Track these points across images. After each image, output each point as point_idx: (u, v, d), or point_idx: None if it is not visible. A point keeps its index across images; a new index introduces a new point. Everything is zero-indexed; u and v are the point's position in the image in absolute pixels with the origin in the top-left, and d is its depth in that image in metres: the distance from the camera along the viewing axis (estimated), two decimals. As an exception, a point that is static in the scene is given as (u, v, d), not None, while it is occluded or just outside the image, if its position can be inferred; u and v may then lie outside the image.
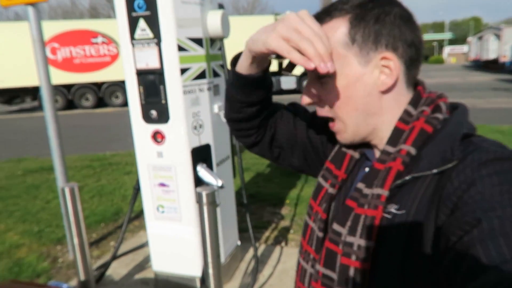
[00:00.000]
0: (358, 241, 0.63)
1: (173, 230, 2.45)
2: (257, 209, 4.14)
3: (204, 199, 2.10)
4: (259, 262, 2.96)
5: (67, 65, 14.22)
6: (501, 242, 0.44)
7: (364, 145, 0.75)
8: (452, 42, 62.38)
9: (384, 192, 0.62)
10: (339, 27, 0.65)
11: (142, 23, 2.06)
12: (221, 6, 2.45)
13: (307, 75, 0.72)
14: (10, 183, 5.26)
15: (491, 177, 0.52)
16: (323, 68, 0.57)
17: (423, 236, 0.58)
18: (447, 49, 55.69)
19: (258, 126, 0.88)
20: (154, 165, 2.35)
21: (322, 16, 0.67)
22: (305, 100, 0.72)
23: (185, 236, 2.43)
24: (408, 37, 0.65)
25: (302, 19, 0.59)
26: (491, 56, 27.39)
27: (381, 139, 0.71)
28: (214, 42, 2.40)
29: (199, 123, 2.32)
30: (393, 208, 0.62)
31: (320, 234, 0.75)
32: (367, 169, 0.73)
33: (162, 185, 2.39)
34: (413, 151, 0.63)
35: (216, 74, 2.44)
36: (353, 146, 0.76)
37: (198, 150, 2.33)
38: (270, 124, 0.90)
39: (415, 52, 0.66)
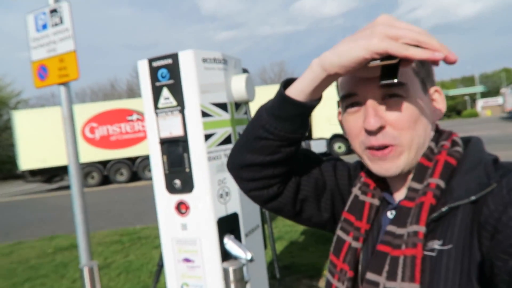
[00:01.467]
0: (401, 285, 0.59)
1: (200, 312, 2.19)
2: (292, 282, 3.80)
3: (231, 276, 1.88)
4: None
5: (104, 142, 14.94)
6: None
7: (381, 188, 0.75)
8: (484, 95, 61.82)
9: (421, 228, 0.60)
10: None
11: (165, 92, 2.05)
12: (245, 71, 2.45)
13: (366, 99, 0.65)
14: (40, 262, 5.19)
15: None
16: (452, 56, 0.53)
17: (474, 268, 0.56)
18: (480, 102, 55.21)
19: (287, 172, 0.76)
20: (178, 238, 2.19)
21: None
22: (374, 123, 0.63)
23: (214, 319, 2.17)
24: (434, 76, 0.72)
25: (395, 19, 0.56)
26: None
27: (402, 176, 0.69)
28: (240, 107, 2.35)
29: (225, 191, 2.18)
30: (436, 245, 0.60)
31: None
32: (389, 214, 0.70)
33: (187, 260, 2.20)
34: (442, 184, 0.63)
35: (241, 139, 2.35)
36: (372, 191, 0.74)
37: (224, 220, 2.17)
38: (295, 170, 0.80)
39: None
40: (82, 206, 2.87)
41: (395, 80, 0.56)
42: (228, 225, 2.19)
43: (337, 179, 0.82)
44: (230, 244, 2.15)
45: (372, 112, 0.64)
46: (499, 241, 0.51)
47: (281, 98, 0.68)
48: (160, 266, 2.39)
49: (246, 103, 2.37)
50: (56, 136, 13.76)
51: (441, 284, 0.57)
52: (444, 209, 0.60)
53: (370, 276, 0.64)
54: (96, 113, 14.99)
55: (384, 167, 0.66)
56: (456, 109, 65.02)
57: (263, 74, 51.43)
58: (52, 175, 15.62)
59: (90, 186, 14.74)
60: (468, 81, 71.88)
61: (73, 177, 2.87)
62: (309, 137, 16.49)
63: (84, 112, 14.73)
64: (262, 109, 0.72)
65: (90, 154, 14.47)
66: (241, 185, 0.81)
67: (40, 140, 14.23)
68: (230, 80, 2.25)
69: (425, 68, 0.68)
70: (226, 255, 2.14)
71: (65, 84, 2.85)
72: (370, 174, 0.76)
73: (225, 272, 1.84)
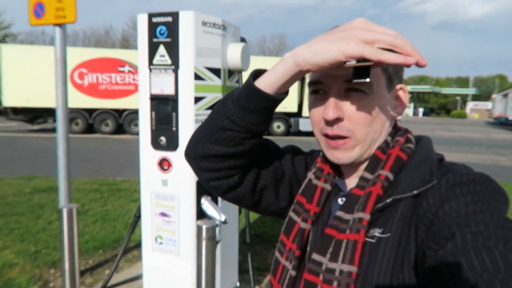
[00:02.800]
0: (340, 266, 0.63)
1: (170, 263, 2.31)
2: (261, 250, 3.96)
3: (204, 233, 1.98)
4: (258, 308, 2.76)
5: (92, 90, 14.67)
6: (471, 255, 0.46)
7: (335, 174, 0.78)
8: (475, 98, 62.49)
9: (366, 216, 0.64)
10: None
11: (161, 49, 2.06)
12: (243, 40, 2.46)
13: (331, 90, 0.68)
14: (17, 200, 5.24)
15: (465, 196, 0.56)
16: (423, 61, 0.56)
17: (408, 257, 0.60)
18: (470, 104, 55.82)
19: (248, 163, 0.76)
20: (157, 193, 2.27)
21: None
22: (331, 115, 0.66)
23: (182, 272, 2.29)
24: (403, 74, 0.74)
25: (371, 23, 0.58)
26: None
27: (356, 165, 0.73)
28: (232, 74, 2.38)
29: (208, 154, 2.25)
30: (377, 232, 0.64)
31: (293, 273, 0.73)
32: (340, 201, 0.74)
33: (163, 214, 2.29)
34: (391, 176, 0.67)
35: (230, 106, 2.40)
36: (325, 176, 0.78)
37: (204, 181, 2.25)
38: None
39: None
40: (66, 151, 2.90)
41: (368, 80, 0.59)
42: (206, 187, 2.27)
43: (294, 167, 0.84)
44: (206, 204, 2.24)
45: (333, 103, 0.66)
46: (433, 233, 0.54)
47: (250, 90, 0.66)
48: (137, 217, 2.47)
49: (239, 72, 2.40)
50: (44, 77, 13.45)
51: (376, 269, 0.61)
52: (388, 200, 0.63)
53: (315, 256, 0.67)
54: (88, 59, 14.60)
55: (336, 156, 0.69)
56: (446, 107, 65.71)
57: (262, 44, 50.58)
58: (35, 116, 15.36)
59: (74, 133, 14.58)
60: (462, 82, 72.38)
61: (60, 122, 2.89)
62: (299, 115, 16.54)
63: (75, 56, 14.30)
64: (228, 99, 0.69)
65: (77, 100, 14.20)
66: (199, 175, 0.79)
67: (26, 78, 13.85)
68: (226, 47, 2.27)
69: (393, 66, 0.69)
70: (201, 215, 2.23)
71: (61, 25, 2.81)
72: (326, 160, 0.78)
73: (199, 229, 1.93)
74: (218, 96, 2.24)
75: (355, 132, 0.67)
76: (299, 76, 0.64)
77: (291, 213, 0.77)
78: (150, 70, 2.11)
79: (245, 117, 0.67)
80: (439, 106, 67.35)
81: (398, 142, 0.71)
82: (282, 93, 0.67)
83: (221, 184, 0.77)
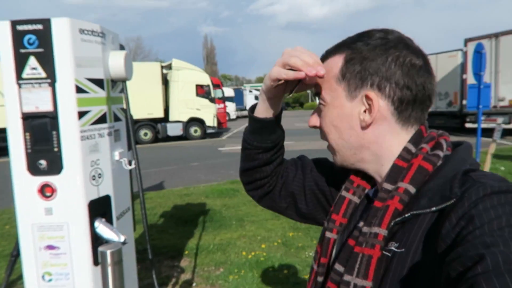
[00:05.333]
0: (355, 280, 0.63)
1: (64, 301, 2.05)
2: (154, 263, 3.81)
3: (109, 259, 1.83)
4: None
5: None
6: (507, 279, 0.43)
7: (371, 181, 0.79)
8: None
9: (381, 231, 0.63)
10: (336, 63, 0.72)
11: (32, 61, 1.80)
12: (122, 47, 2.33)
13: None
14: None
15: (488, 212, 0.52)
16: (310, 71, 0.68)
17: (421, 274, 0.58)
18: (318, 97, 63.30)
19: (271, 174, 0.94)
20: (41, 224, 1.98)
21: (326, 55, 0.76)
22: (309, 122, 0.81)
23: (80, 307, 2.05)
24: (400, 80, 0.67)
25: (294, 48, 0.73)
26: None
27: (379, 175, 0.73)
28: (116, 84, 2.23)
29: (98, 172, 2.07)
30: (393, 246, 0.62)
31: (320, 279, 0.77)
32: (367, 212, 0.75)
33: (51, 247, 2.01)
34: (411, 189, 0.64)
35: (117, 118, 2.25)
36: (354, 188, 0.79)
37: (96, 202, 2.06)
38: (281, 172, 0.97)
39: (411, 95, 0.67)
40: None
41: (291, 95, 0.80)
42: (99, 208, 2.08)
43: (314, 178, 0.94)
44: (101, 227, 2.06)
45: (312, 114, 0.81)
46: (458, 253, 0.50)
47: (249, 118, 0.89)
48: (15, 256, 2.11)
49: (123, 81, 2.27)
50: None
51: (387, 284, 0.61)
52: (407, 215, 0.62)
53: (337, 266, 0.70)
54: None
55: (333, 159, 0.82)
56: (299, 101, 73.13)
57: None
58: None
59: None
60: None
61: None
62: (166, 120, 16.21)
63: None
64: (246, 128, 0.92)
65: None
66: (244, 187, 1.01)
67: None
68: (107, 55, 2.12)
69: (354, 74, 0.69)
70: (96, 239, 2.04)
71: None
72: (356, 171, 0.79)
73: (103, 255, 1.77)
74: (104, 109, 2.08)
75: (327, 139, 0.78)
76: (272, 101, 0.83)
77: (325, 223, 0.82)
78: (19, 85, 1.82)
79: (251, 137, 0.90)
80: (293, 100, 74.51)
81: (422, 150, 0.67)
82: (275, 113, 0.85)
83: (256, 194, 0.99)
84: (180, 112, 16.32)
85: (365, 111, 0.69)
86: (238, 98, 36.50)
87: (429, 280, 0.56)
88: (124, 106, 2.36)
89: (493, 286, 0.43)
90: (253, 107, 0.88)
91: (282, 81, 0.75)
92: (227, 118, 22.99)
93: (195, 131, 17.01)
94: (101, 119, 2.07)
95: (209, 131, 17.65)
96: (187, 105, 16.30)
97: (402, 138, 0.70)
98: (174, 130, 16.37)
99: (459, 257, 0.49)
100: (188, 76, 16.18)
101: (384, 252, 0.62)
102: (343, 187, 0.82)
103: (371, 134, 0.70)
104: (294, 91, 0.79)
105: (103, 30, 2.06)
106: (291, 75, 0.71)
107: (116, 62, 2.12)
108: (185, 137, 16.66)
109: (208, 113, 16.92)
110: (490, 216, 0.52)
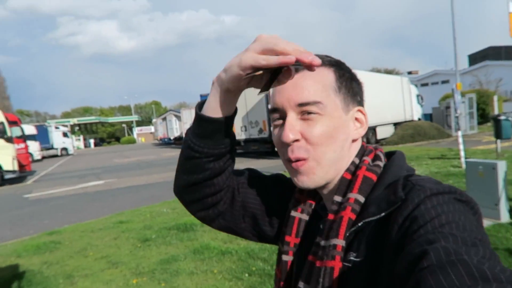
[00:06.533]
0: None
1: None
2: None
3: None
4: None
5: None
6: (448, 270, 0.45)
7: (315, 197, 0.79)
8: (139, 123, 69.50)
9: (339, 242, 0.64)
10: (328, 74, 0.71)
11: None
12: None
13: (286, 114, 0.70)
14: None
15: (430, 212, 0.56)
16: (306, 57, 0.56)
17: (380, 280, 0.59)
18: (136, 130, 61.62)
19: (223, 188, 0.81)
20: None
21: None
22: (289, 137, 0.69)
23: None
24: (363, 97, 0.76)
25: (273, 36, 0.60)
26: (176, 134, 31.84)
27: (327, 189, 0.74)
28: None
29: None
30: (352, 256, 0.64)
31: None
32: (321, 225, 0.72)
33: None
34: (361, 198, 0.67)
35: None
36: (301, 206, 0.79)
37: None
38: (235, 185, 0.85)
39: None
40: None
41: (270, 91, 0.63)
42: None
43: (272, 197, 0.87)
44: None
45: (289, 126, 0.69)
46: (406, 253, 0.53)
47: (197, 117, 0.73)
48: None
49: None
50: None
51: None
52: (359, 224, 0.64)
53: (300, 284, 0.69)
54: None
55: (300, 179, 0.71)
56: (115, 135, 69.15)
57: None
58: None
59: None
60: (125, 110, 78.39)
61: None
62: None
63: None
64: (188, 130, 0.77)
65: None
66: (188, 208, 0.86)
67: None
68: None
69: (347, 89, 0.72)
70: None
71: None
72: (300, 189, 0.80)
73: None
74: None
75: (312, 152, 0.69)
76: (230, 95, 0.68)
77: (280, 245, 0.80)
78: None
79: (200, 142, 0.74)
80: (108, 135, 69.87)
81: (364, 162, 0.72)
82: (228, 114, 0.72)
83: (207, 215, 0.84)
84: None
85: (357, 124, 0.74)
86: (42, 136, 31.82)
87: (389, 282, 0.58)
88: None
89: (437, 278, 0.45)
90: (201, 105, 0.74)
91: (260, 72, 0.60)
92: (30, 159, 19.56)
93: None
94: None
95: (8, 176, 14.60)
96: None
97: (355, 151, 0.75)
98: None
99: (407, 255, 0.52)
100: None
101: (344, 263, 0.64)
102: (290, 206, 0.81)
103: (353, 148, 0.74)
104: (272, 86, 0.63)
105: None
106: (273, 60, 0.57)
107: None
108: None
109: (4, 154, 14.08)
110: (432, 215, 0.56)
